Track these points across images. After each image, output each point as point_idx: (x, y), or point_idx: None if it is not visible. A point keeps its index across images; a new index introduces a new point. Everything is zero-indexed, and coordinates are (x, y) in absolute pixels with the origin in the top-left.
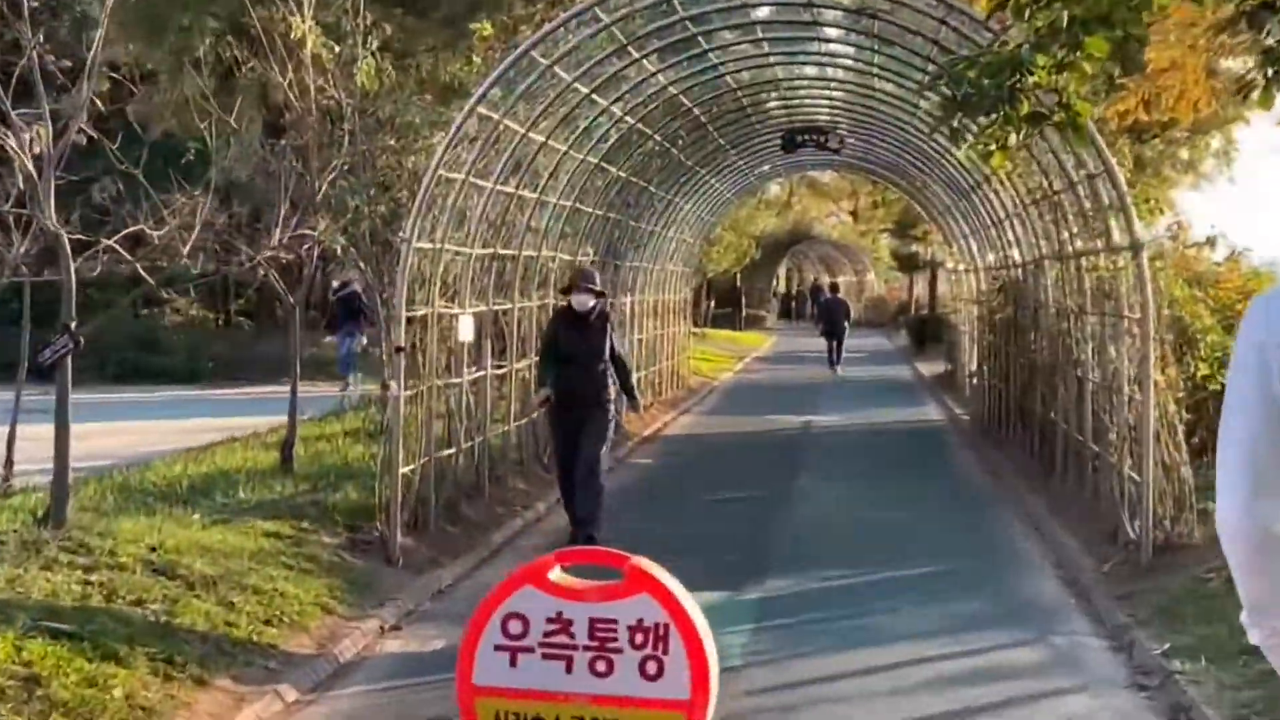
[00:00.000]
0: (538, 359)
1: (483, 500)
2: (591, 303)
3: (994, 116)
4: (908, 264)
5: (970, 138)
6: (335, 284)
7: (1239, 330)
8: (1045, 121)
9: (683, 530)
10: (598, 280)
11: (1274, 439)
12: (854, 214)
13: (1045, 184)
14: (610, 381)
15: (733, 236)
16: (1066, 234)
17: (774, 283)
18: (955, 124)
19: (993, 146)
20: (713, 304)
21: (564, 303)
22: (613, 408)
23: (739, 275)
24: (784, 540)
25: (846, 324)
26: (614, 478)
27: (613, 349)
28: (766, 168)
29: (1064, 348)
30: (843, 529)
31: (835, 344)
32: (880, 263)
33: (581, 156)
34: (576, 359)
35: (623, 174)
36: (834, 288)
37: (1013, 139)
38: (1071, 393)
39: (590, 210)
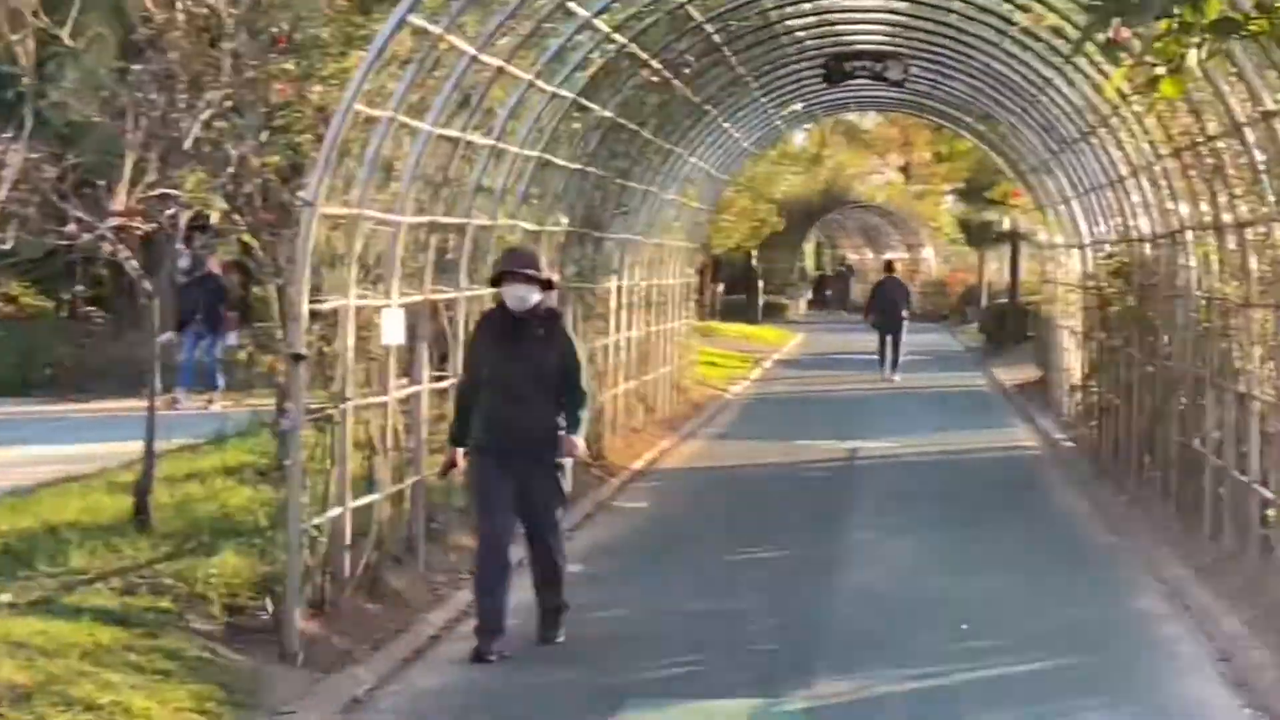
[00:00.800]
0: (456, 387)
1: (416, 566)
2: (534, 298)
3: (1167, 24)
4: (978, 237)
5: (1128, 57)
6: (183, 263)
7: None
8: (1238, 31)
9: (694, 606)
10: (542, 263)
11: None
12: (905, 170)
13: (1196, 127)
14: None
15: (747, 201)
16: (1225, 196)
17: (798, 261)
18: (1109, 35)
19: (1161, 68)
20: (721, 289)
21: (496, 299)
22: (569, 464)
23: (755, 252)
24: (834, 621)
25: (906, 314)
26: (594, 530)
27: (570, 371)
28: (799, 107)
29: (1218, 353)
30: (912, 605)
31: (892, 341)
32: (940, 235)
33: (553, 89)
34: (510, 386)
35: (608, 114)
36: (889, 267)
37: (1192, 57)
38: (1229, 416)
39: (564, 164)
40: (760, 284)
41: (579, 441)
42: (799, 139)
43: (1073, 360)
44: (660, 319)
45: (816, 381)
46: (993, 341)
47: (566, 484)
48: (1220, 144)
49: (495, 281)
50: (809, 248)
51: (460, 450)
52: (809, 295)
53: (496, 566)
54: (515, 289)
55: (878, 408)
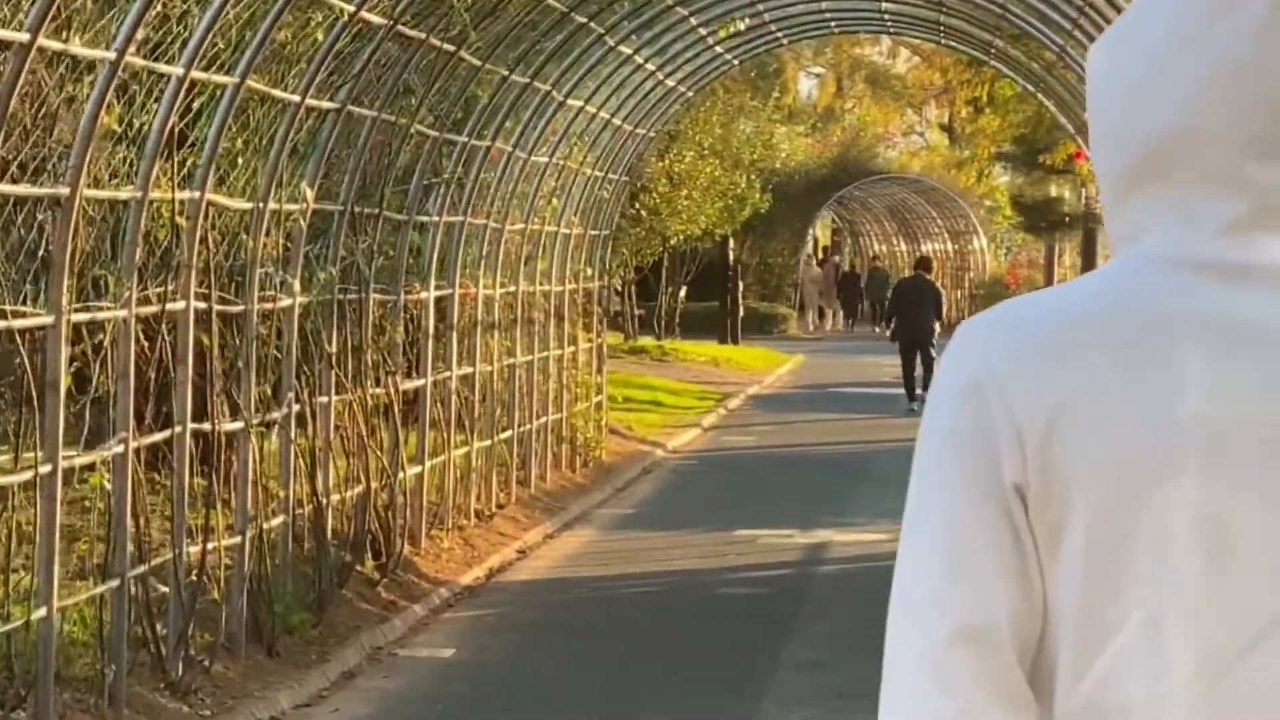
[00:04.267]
0: None
1: None
2: None
3: None
4: (1039, 219)
5: None
6: None
7: (941, 369)
8: None
9: None
10: None
11: (987, 533)
12: (949, 129)
13: None
14: None
15: (717, 170)
16: None
17: (807, 252)
18: None
19: None
20: (683, 295)
21: None
22: None
23: (733, 241)
24: None
25: (937, 325)
26: (345, 704)
27: None
28: (743, 24)
29: None
30: None
31: (922, 359)
32: (1001, 217)
33: None
34: None
35: (375, 17)
36: (923, 263)
37: None
38: None
39: (289, 99)
40: (738, 285)
41: None
42: (806, 88)
43: None
44: (536, 344)
45: (800, 429)
46: None
47: None
48: None
49: None
50: (816, 230)
51: None
52: (835, 304)
53: None
54: None
55: (878, 472)
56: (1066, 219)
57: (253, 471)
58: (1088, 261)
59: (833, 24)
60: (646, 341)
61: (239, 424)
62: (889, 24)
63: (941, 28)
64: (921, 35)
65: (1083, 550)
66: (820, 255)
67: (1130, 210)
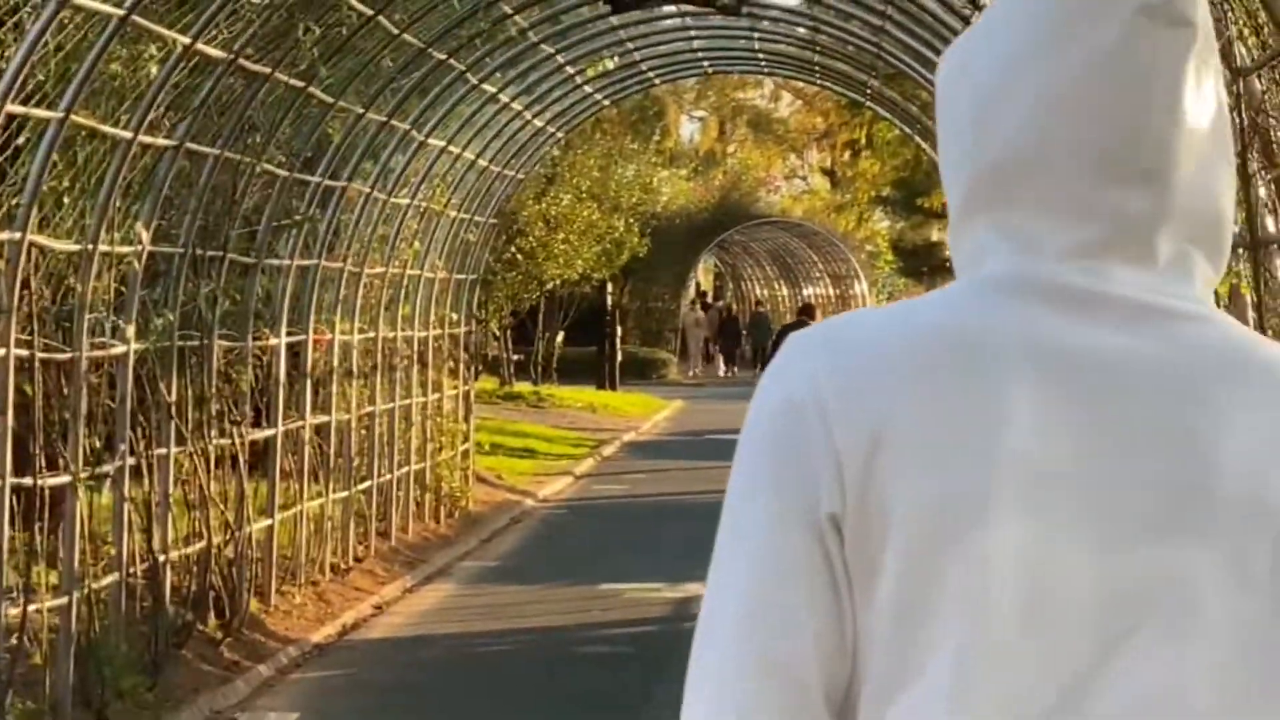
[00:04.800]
0: None
1: None
2: None
3: None
4: (919, 263)
5: None
6: None
7: (763, 382)
8: None
9: None
10: None
11: (798, 565)
12: (830, 173)
13: None
14: None
15: (595, 213)
16: None
17: (689, 295)
18: None
19: None
20: (560, 339)
21: None
22: None
23: (611, 285)
24: None
25: None
26: None
27: None
28: (611, 63)
29: None
30: None
31: None
32: (883, 262)
33: None
34: None
35: (214, 50)
36: (806, 310)
37: None
38: None
39: (119, 135)
40: (615, 330)
41: None
42: (688, 131)
43: None
44: (398, 391)
45: (674, 478)
46: None
47: None
48: None
49: None
50: (700, 276)
51: None
52: (715, 343)
53: None
54: None
55: None
56: (946, 263)
57: (81, 527)
58: None
59: (705, 63)
60: (523, 387)
61: (66, 478)
62: (764, 64)
63: (817, 68)
64: (797, 75)
65: (894, 588)
66: (702, 300)
67: (974, 231)
